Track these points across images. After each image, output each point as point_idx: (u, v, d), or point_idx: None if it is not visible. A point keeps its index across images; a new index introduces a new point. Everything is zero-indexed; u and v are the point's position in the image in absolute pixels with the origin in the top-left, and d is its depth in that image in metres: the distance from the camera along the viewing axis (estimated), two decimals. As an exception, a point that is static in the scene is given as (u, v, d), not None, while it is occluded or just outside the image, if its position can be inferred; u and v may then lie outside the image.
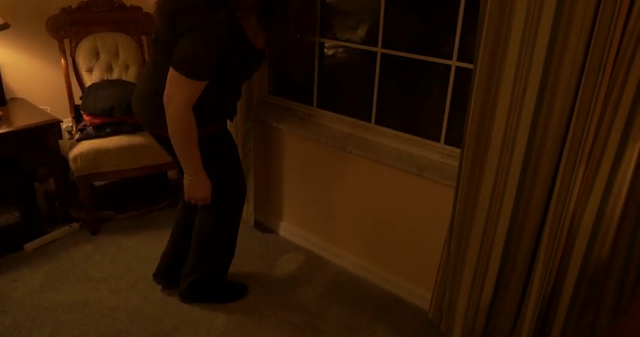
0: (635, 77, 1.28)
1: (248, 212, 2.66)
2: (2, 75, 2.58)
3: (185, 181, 1.79)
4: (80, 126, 2.56)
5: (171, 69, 1.59)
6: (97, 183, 2.96)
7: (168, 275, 2.23)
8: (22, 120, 2.38)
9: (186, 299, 2.17)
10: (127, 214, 2.80)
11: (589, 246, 1.50)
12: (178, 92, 1.62)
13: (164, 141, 1.80)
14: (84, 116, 2.53)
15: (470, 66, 1.79)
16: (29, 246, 2.49)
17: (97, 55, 2.72)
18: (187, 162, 1.74)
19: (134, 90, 1.87)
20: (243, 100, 2.37)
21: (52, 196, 2.75)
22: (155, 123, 1.79)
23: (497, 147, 1.54)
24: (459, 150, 1.92)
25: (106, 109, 2.46)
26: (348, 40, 2.23)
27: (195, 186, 1.78)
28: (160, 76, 1.65)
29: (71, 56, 2.67)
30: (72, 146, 2.51)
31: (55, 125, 2.44)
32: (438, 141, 2.03)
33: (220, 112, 1.90)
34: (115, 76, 2.76)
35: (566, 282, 1.58)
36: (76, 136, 2.54)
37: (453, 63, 1.88)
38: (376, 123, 2.21)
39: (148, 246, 2.56)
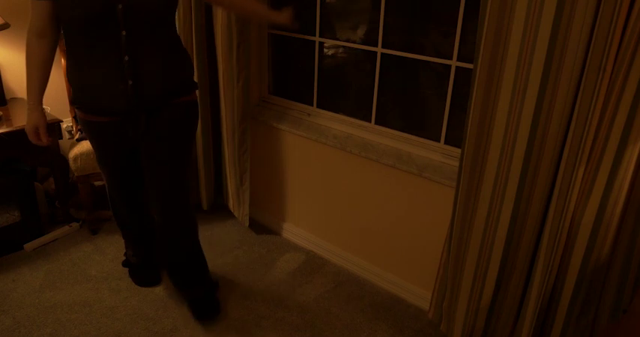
0: (635, 77, 1.28)
1: (243, 213, 2.66)
2: (2, 75, 2.58)
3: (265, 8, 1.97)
4: (80, 126, 2.57)
5: None
6: (97, 183, 2.96)
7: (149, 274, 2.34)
8: (22, 120, 2.38)
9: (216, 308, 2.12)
10: (126, 214, 2.80)
11: (589, 245, 1.50)
12: None
13: (188, 107, 1.85)
14: (84, 116, 2.53)
15: (470, 66, 1.80)
16: (29, 245, 2.49)
17: (97, 55, 2.71)
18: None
19: (139, 82, 1.68)
20: (240, 101, 2.37)
21: (52, 196, 2.75)
22: (186, 88, 1.83)
23: (497, 146, 1.54)
24: (459, 150, 1.93)
25: (106, 109, 2.46)
26: (347, 40, 2.23)
27: None
28: (167, 45, 1.72)
29: (71, 56, 2.67)
30: (72, 146, 2.51)
31: (55, 125, 2.44)
32: (438, 141, 2.03)
33: (89, 86, 1.69)
34: (115, 76, 2.75)
35: (566, 282, 1.58)
36: (76, 136, 2.54)
37: (453, 63, 1.89)
38: (376, 123, 2.21)
39: (147, 246, 2.56)
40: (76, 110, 1.82)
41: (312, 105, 2.43)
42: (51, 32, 1.71)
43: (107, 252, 2.50)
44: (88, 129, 1.85)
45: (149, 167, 1.89)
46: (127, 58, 1.62)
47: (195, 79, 2.20)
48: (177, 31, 2.47)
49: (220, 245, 2.59)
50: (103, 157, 1.96)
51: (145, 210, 2.11)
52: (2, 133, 2.26)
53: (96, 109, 1.75)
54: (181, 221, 2.01)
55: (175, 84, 1.78)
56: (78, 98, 1.76)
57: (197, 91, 1.91)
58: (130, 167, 1.98)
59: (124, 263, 2.38)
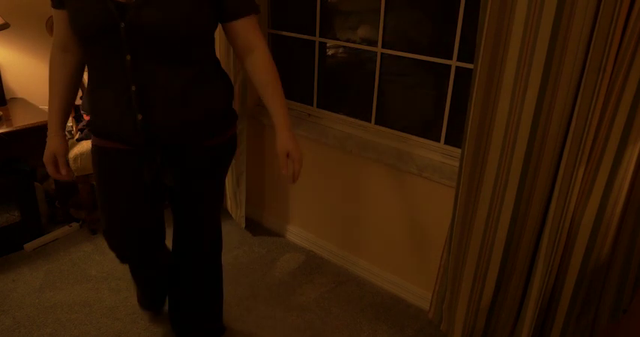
0: (635, 77, 1.28)
1: (240, 215, 2.66)
2: (2, 75, 2.58)
3: (289, 136, 1.50)
4: (80, 126, 2.57)
5: (245, 20, 1.39)
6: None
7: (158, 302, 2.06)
8: (22, 120, 2.38)
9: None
10: (126, 214, 2.80)
11: (589, 246, 1.50)
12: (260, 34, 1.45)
13: (221, 151, 1.56)
14: (84, 116, 2.53)
15: (470, 66, 1.80)
16: (29, 245, 2.49)
17: (97, 55, 2.71)
18: (286, 108, 1.50)
19: (150, 118, 1.39)
20: (237, 100, 2.37)
21: (52, 196, 2.75)
22: (218, 127, 1.52)
23: (497, 146, 1.54)
24: (459, 150, 1.93)
25: (106, 109, 2.45)
26: (347, 40, 2.23)
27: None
28: (191, 72, 1.40)
29: (71, 56, 2.66)
30: (72, 146, 2.51)
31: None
32: (438, 141, 2.03)
33: (100, 110, 1.45)
34: (115, 76, 2.75)
35: (566, 282, 1.58)
36: (76, 136, 2.54)
37: (453, 63, 1.89)
38: (376, 123, 2.21)
39: (147, 246, 2.55)
40: (91, 136, 1.58)
41: (312, 105, 2.43)
42: (75, 47, 1.50)
43: (107, 252, 2.50)
44: (99, 158, 1.55)
45: (175, 221, 1.66)
46: (134, 87, 1.35)
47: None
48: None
49: (220, 245, 2.59)
50: (110, 195, 1.56)
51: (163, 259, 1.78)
52: (2, 133, 2.26)
53: (108, 134, 1.48)
54: (206, 282, 1.79)
55: (201, 121, 1.45)
56: (92, 120, 1.53)
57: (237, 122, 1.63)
58: (148, 213, 1.61)
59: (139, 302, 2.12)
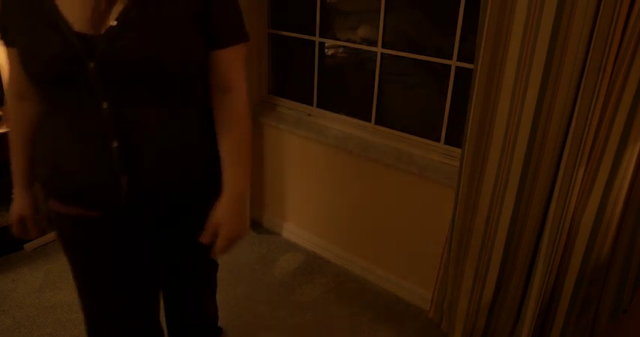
0: (635, 77, 1.29)
1: (244, 213, 2.66)
2: (2, 75, 2.58)
3: (231, 208, 1.18)
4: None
5: (233, 50, 1.11)
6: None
7: None
8: (22, 120, 2.38)
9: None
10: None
11: (589, 245, 1.50)
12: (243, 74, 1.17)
13: (197, 202, 1.23)
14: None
15: (470, 66, 1.80)
16: (29, 245, 2.49)
17: (96, 55, 2.70)
18: (245, 170, 1.19)
19: (138, 179, 1.10)
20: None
21: (52, 196, 2.75)
22: (215, 184, 1.20)
23: (498, 146, 1.54)
24: (459, 150, 1.93)
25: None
26: (348, 40, 2.23)
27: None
28: (187, 117, 1.13)
29: (71, 56, 2.66)
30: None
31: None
32: (438, 141, 2.03)
33: (63, 169, 1.11)
34: (114, 76, 2.74)
35: (566, 282, 1.58)
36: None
37: (453, 63, 1.89)
38: (376, 123, 2.21)
39: (147, 246, 2.55)
40: (49, 200, 1.25)
41: (312, 105, 2.43)
42: (33, 93, 1.14)
43: (107, 252, 2.50)
44: (63, 230, 1.26)
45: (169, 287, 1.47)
46: (115, 143, 1.04)
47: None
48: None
49: (220, 245, 2.59)
50: (91, 277, 1.25)
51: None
52: (2, 133, 2.26)
53: (76, 199, 1.15)
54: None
55: (201, 172, 1.19)
56: (48, 178, 1.16)
57: None
58: (141, 285, 1.29)
59: None
